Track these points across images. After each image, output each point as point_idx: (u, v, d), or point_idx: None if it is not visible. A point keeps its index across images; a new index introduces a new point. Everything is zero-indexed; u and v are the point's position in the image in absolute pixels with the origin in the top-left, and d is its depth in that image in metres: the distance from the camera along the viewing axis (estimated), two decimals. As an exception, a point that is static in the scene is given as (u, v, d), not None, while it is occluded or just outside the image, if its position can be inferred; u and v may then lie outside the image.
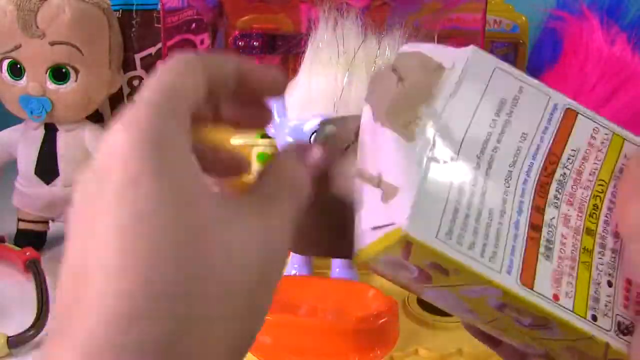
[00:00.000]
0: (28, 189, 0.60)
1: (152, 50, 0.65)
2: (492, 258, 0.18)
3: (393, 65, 0.21)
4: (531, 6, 0.68)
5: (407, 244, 0.18)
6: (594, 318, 0.19)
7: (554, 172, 0.20)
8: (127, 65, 0.64)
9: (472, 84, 0.20)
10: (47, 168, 0.59)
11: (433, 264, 0.18)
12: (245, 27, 0.60)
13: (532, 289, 0.18)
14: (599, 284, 0.19)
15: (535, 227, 0.19)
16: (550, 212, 0.19)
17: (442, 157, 0.19)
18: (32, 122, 0.58)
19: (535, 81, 0.21)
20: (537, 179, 0.20)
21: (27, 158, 0.59)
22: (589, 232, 0.20)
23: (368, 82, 0.22)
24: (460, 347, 0.42)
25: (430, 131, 0.19)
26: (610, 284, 0.19)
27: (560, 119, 0.20)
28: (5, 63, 0.56)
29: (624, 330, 0.19)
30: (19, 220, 0.61)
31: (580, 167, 0.20)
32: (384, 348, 0.42)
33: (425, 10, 0.58)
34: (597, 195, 0.20)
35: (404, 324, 0.46)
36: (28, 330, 0.45)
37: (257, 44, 0.60)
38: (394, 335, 0.43)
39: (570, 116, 0.20)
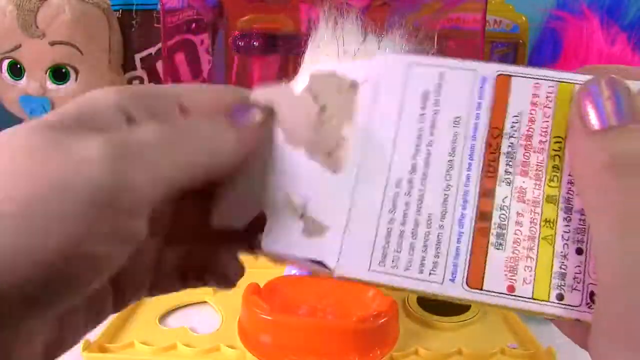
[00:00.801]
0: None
1: (152, 50, 0.65)
2: (432, 270, 0.18)
3: (311, 92, 0.20)
4: (531, 6, 0.68)
5: (343, 278, 0.18)
6: (560, 297, 0.17)
7: (499, 146, 0.18)
8: (127, 65, 0.64)
9: (389, 88, 0.19)
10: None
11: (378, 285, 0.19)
12: (245, 27, 0.60)
13: (481, 289, 0.18)
14: (565, 256, 0.18)
15: (483, 216, 0.18)
16: (501, 192, 0.18)
17: (372, 177, 0.19)
18: (32, 122, 0.58)
19: (456, 61, 0.19)
20: (482, 159, 0.18)
21: (27, 158, 0.59)
22: (550, 199, 0.18)
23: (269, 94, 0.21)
24: (460, 347, 0.42)
25: (355, 153, 0.19)
26: (580, 251, 0.18)
27: (493, 89, 0.19)
28: (5, 63, 0.56)
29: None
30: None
31: (528, 131, 0.18)
32: (384, 348, 0.42)
33: (425, 10, 0.58)
34: (555, 155, 0.18)
35: (404, 324, 0.46)
36: (28, 330, 0.45)
37: (257, 44, 0.60)
38: (394, 335, 0.44)
39: (503, 82, 0.19)
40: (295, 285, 0.48)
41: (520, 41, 0.68)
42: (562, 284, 0.18)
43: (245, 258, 0.22)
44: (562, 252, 0.18)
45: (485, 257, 0.18)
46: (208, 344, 0.42)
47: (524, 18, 0.68)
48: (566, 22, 0.63)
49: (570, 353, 0.19)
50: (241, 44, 0.60)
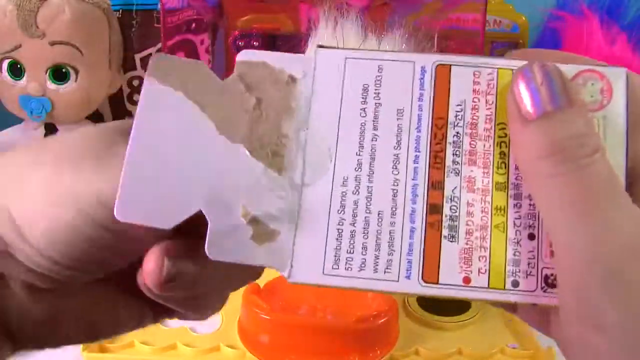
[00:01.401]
0: (28, 189, 0.60)
1: (152, 50, 0.65)
2: (387, 268, 0.18)
3: (243, 81, 0.19)
4: (531, 6, 0.68)
5: (298, 284, 0.18)
6: (515, 284, 0.17)
7: (445, 136, 0.18)
8: (127, 65, 0.64)
9: (327, 84, 0.19)
10: (47, 168, 0.59)
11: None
12: (245, 27, 0.60)
13: (437, 283, 0.18)
14: (518, 242, 0.18)
15: (434, 209, 0.18)
16: (450, 183, 0.18)
17: (317, 177, 0.18)
18: (32, 122, 0.58)
19: (392, 53, 0.19)
20: (428, 151, 0.18)
21: (27, 158, 0.59)
22: (499, 186, 0.18)
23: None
24: (460, 347, 0.42)
25: (298, 153, 0.19)
26: (532, 237, 0.18)
27: (433, 80, 0.19)
28: (5, 63, 0.56)
29: (552, 283, 0.17)
30: (19, 220, 0.61)
31: (472, 119, 0.18)
32: (384, 348, 0.42)
33: (425, 10, 0.58)
34: (501, 142, 0.18)
35: (404, 324, 0.46)
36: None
37: (257, 44, 0.60)
38: (394, 335, 0.44)
39: (443, 72, 0.19)
40: (295, 285, 0.48)
41: (520, 41, 0.68)
42: (517, 270, 0.18)
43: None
44: (514, 238, 0.18)
45: (439, 250, 0.18)
46: (208, 344, 0.42)
47: (524, 18, 0.68)
48: (566, 22, 0.63)
49: (570, 353, 0.19)
50: (241, 44, 0.60)
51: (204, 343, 0.42)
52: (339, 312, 0.44)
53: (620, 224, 0.15)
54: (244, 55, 0.19)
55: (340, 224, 0.18)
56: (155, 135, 0.18)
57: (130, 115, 0.67)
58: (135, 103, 0.67)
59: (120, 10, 0.63)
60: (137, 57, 0.65)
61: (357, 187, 0.18)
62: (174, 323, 0.47)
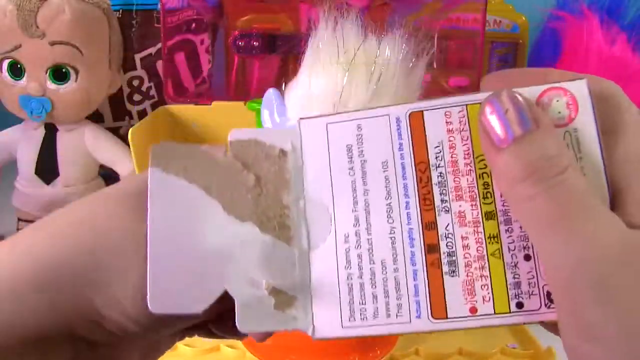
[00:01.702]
0: (28, 189, 0.60)
1: (152, 50, 0.65)
2: (399, 312, 0.19)
3: (240, 159, 0.20)
4: (531, 6, 0.68)
5: (322, 339, 0.19)
6: (520, 305, 0.18)
7: (429, 178, 0.19)
8: (127, 65, 0.64)
9: (314, 151, 0.20)
10: (47, 168, 0.59)
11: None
12: (245, 27, 0.60)
13: (446, 317, 0.18)
14: (515, 265, 0.18)
15: (431, 249, 0.19)
16: (443, 221, 0.19)
17: (321, 239, 0.20)
18: (32, 122, 0.58)
19: (368, 111, 0.20)
20: (417, 195, 0.19)
21: (27, 158, 0.59)
22: (489, 215, 0.19)
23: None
24: (460, 347, 0.42)
25: (301, 220, 0.20)
26: (528, 258, 0.18)
27: (408, 128, 0.20)
28: (5, 63, 0.56)
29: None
30: (18, 220, 0.61)
31: (452, 157, 0.19)
32: (384, 348, 0.42)
33: (425, 10, 0.58)
34: (482, 173, 0.19)
35: (404, 324, 0.46)
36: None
37: (257, 44, 0.60)
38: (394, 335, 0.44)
39: (416, 119, 0.20)
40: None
41: (520, 41, 0.68)
42: (519, 292, 0.18)
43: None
44: (511, 262, 0.18)
45: (443, 286, 0.19)
46: (208, 344, 0.42)
47: (524, 18, 0.68)
48: (566, 22, 0.63)
49: (570, 353, 0.19)
50: (241, 44, 0.59)
51: (204, 343, 0.42)
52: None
53: (599, 236, 0.16)
54: (235, 135, 0.21)
55: (349, 278, 0.19)
56: (169, 225, 0.20)
57: (130, 115, 0.67)
58: (135, 103, 0.67)
59: (120, 10, 0.63)
60: (137, 57, 0.65)
61: (358, 242, 0.19)
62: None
